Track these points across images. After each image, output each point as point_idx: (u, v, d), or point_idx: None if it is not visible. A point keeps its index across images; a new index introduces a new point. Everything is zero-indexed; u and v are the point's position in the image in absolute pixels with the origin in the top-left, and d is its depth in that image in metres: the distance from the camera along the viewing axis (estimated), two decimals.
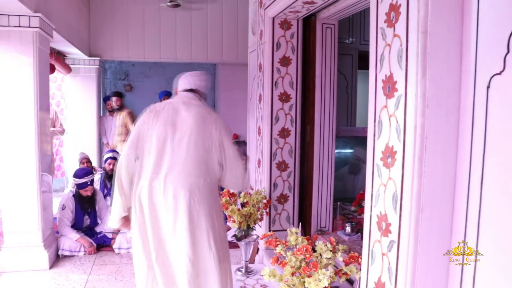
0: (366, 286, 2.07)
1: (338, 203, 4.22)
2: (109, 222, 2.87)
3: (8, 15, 3.96)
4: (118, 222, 2.81)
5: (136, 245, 2.75)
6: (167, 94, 7.31)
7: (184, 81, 3.00)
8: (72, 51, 6.49)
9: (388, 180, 1.86)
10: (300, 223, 3.88)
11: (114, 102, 7.21)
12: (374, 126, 1.98)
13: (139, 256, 2.73)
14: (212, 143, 2.74)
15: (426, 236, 1.70)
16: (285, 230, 3.89)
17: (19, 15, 3.97)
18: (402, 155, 1.75)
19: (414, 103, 1.67)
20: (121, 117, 7.10)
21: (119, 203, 2.75)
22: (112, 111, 7.39)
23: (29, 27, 4.02)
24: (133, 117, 6.94)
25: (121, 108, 7.20)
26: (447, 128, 1.67)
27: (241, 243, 3.78)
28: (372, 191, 2.01)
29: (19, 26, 4.00)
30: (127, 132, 6.88)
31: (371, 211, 2.02)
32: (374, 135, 1.98)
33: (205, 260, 2.66)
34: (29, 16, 3.99)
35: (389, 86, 1.84)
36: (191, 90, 2.95)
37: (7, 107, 4.10)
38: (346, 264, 2.41)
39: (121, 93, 7.40)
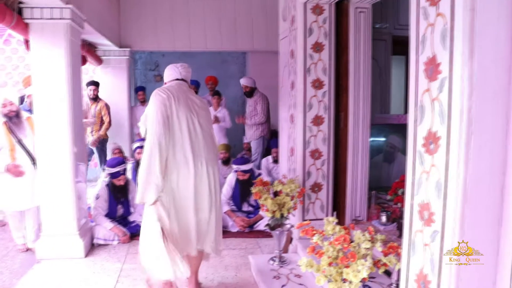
0: (407, 277, 2.00)
1: (373, 192, 4.13)
2: (149, 199, 3.06)
3: (41, 8, 4.00)
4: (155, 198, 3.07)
5: (167, 213, 3.13)
6: (194, 83, 7.28)
7: (173, 71, 3.37)
8: (103, 43, 6.53)
9: (431, 167, 1.77)
10: (334, 212, 3.82)
11: (92, 91, 6.72)
12: (415, 111, 1.89)
13: (168, 220, 3.13)
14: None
15: (472, 226, 1.62)
16: (319, 220, 3.83)
17: (51, 7, 4.01)
18: (447, 140, 1.66)
19: (460, 85, 1.57)
20: (97, 108, 6.79)
21: (161, 181, 3.03)
22: (144, 102, 7.38)
23: (61, 19, 4.05)
24: (109, 110, 6.88)
25: (96, 98, 6.80)
26: (496, 111, 1.58)
27: (275, 233, 3.74)
28: (413, 179, 1.92)
29: (52, 18, 4.04)
30: (100, 123, 6.80)
31: (412, 199, 1.94)
32: (415, 121, 1.89)
33: (218, 209, 3.38)
34: (61, 8, 4.02)
35: (432, 69, 1.75)
36: (181, 80, 3.36)
37: (42, 99, 4.16)
38: (385, 255, 2.34)
39: (98, 82, 6.93)
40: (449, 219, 1.65)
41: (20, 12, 3.95)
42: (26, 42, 4.24)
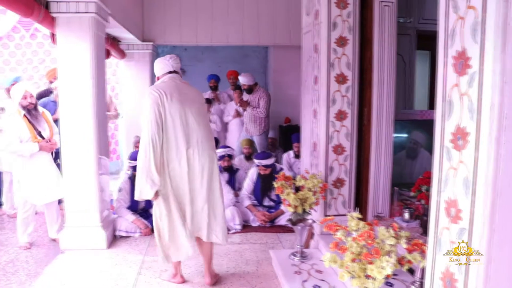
0: (432, 275, 1.96)
1: (396, 188, 4.08)
2: (146, 195, 3.22)
3: (68, 2, 4.05)
4: (154, 193, 3.22)
5: (168, 205, 3.31)
6: (213, 78, 7.27)
7: (164, 65, 3.44)
8: (126, 37, 6.56)
9: (459, 163, 1.73)
10: (357, 208, 3.79)
11: None
12: (443, 106, 1.85)
13: (172, 211, 3.32)
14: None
15: (502, 224, 1.58)
16: (341, 215, 3.81)
17: (77, 2, 4.06)
18: (476, 136, 1.62)
19: (491, 80, 1.53)
20: None
21: (156, 177, 3.18)
22: None
23: (87, 12, 4.10)
24: None
25: None
26: None
27: (297, 228, 3.73)
28: (440, 175, 1.89)
29: (77, 12, 4.09)
30: None
31: (438, 196, 1.90)
32: (443, 116, 1.85)
33: (216, 195, 3.46)
34: (86, 2, 4.07)
35: (461, 63, 1.71)
36: (173, 72, 3.44)
37: (68, 92, 4.22)
38: (410, 252, 2.31)
39: None
40: (478, 217, 1.62)
41: (47, 6, 4.01)
42: (52, 36, 4.29)
